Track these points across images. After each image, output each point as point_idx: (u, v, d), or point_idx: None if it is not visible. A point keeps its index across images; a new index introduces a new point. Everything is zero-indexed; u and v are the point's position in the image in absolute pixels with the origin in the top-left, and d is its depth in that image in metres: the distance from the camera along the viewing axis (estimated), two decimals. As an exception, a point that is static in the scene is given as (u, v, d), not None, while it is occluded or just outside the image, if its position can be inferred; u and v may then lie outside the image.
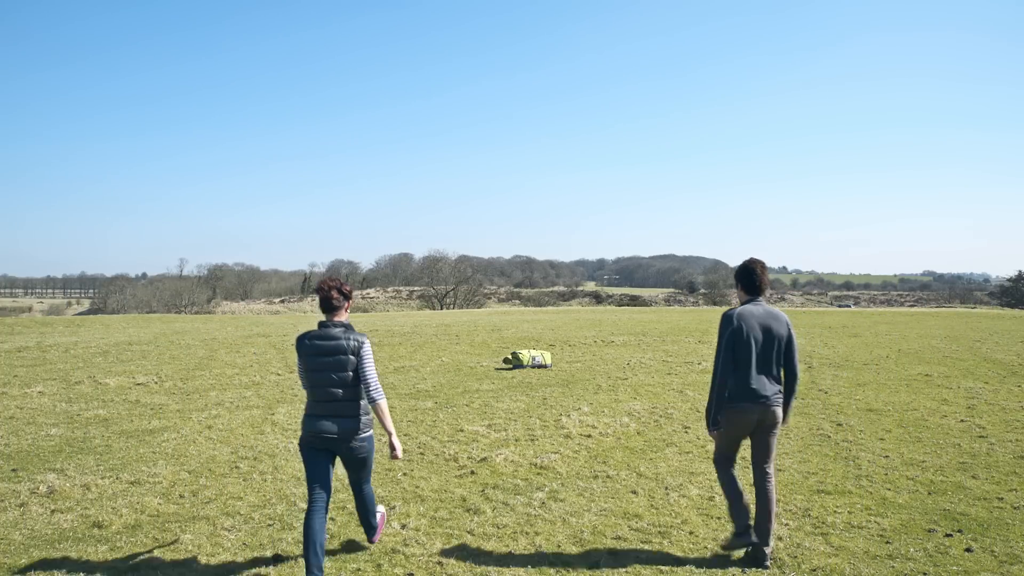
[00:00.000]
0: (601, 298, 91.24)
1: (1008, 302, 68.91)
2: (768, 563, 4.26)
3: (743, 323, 4.27)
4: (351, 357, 4.01)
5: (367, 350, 4.06)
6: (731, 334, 4.26)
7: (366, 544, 4.62)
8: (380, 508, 4.46)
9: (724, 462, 4.51)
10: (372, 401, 4.07)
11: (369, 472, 4.32)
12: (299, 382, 11.35)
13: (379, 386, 4.04)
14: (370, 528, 4.51)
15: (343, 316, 4.17)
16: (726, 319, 4.29)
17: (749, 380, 4.27)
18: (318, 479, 4.08)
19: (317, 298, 4.15)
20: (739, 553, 4.45)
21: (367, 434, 4.13)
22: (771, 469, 4.47)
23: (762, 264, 4.43)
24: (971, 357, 15.37)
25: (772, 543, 4.35)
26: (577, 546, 4.64)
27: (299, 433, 7.37)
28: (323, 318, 4.17)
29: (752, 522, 4.42)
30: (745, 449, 5.04)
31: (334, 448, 4.08)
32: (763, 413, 4.31)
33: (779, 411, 4.37)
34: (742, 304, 4.43)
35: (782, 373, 4.41)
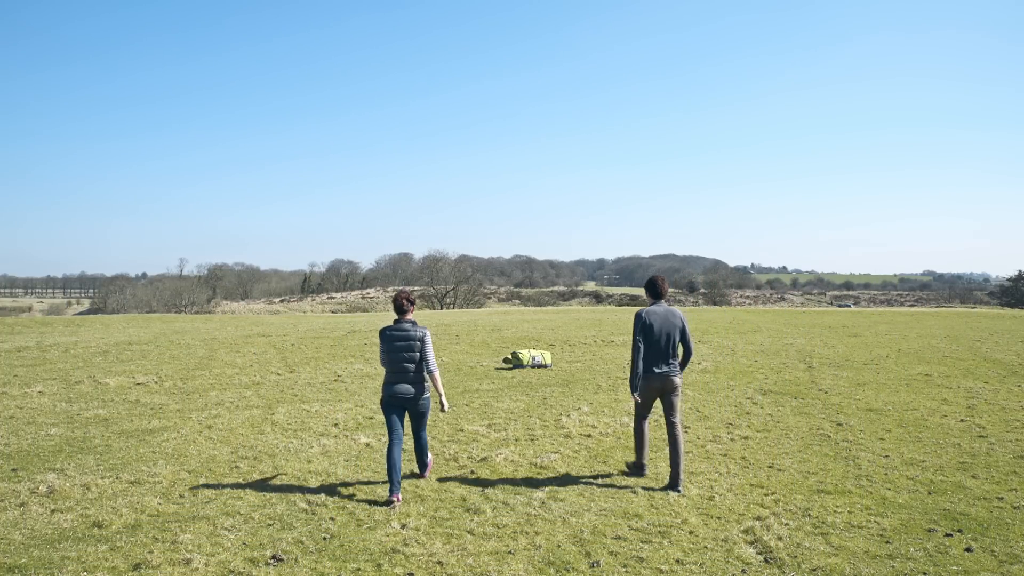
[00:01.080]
0: (601, 298, 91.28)
1: (1008, 302, 68.93)
2: (680, 488, 5.85)
3: (649, 319, 5.99)
4: (416, 343, 5.76)
5: (428, 339, 5.86)
6: (641, 327, 5.98)
7: (369, 544, 4.63)
8: (430, 455, 6.34)
9: (640, 417, 6.24)
10: (429, 372, 5.85)
11: (426, 422, 6.06)
12: (293, 384, 11.38)
13: (435, 362, 6.04)
14: (423, 465, 6.21)
15: (410, 315, 5.96)
16: (637, 316, 5.99)
17: (653, 360, 5.98)
18: (394, 426, 5.77)
19: (392, 304, 6.11)
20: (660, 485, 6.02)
21: (426, 395, 5.88)
22: (677, 420, 6.08)
23: (663, 279, 6.30)
24: (971, 357, 15.37)
25: (683, 477, 6.02)
26: (577, 546, 4.64)
27: (298, 432, 7.49)
28: (396, 317, 5.92)
29: (647, 461, 6.33)
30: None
31: (405, 405, 5.79)
32: (664, 382, 6.01)
33: (676, 379, 6.08)
34: (649, 306, 6.17)
35: (680, 351, 6.20)
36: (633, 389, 5.94)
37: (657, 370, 5.98)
